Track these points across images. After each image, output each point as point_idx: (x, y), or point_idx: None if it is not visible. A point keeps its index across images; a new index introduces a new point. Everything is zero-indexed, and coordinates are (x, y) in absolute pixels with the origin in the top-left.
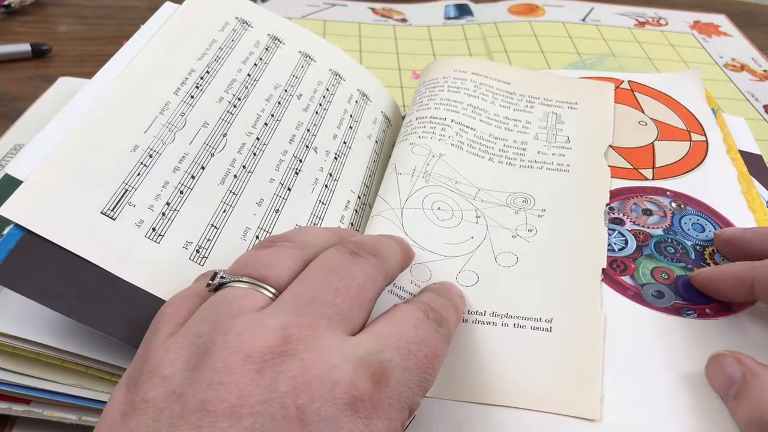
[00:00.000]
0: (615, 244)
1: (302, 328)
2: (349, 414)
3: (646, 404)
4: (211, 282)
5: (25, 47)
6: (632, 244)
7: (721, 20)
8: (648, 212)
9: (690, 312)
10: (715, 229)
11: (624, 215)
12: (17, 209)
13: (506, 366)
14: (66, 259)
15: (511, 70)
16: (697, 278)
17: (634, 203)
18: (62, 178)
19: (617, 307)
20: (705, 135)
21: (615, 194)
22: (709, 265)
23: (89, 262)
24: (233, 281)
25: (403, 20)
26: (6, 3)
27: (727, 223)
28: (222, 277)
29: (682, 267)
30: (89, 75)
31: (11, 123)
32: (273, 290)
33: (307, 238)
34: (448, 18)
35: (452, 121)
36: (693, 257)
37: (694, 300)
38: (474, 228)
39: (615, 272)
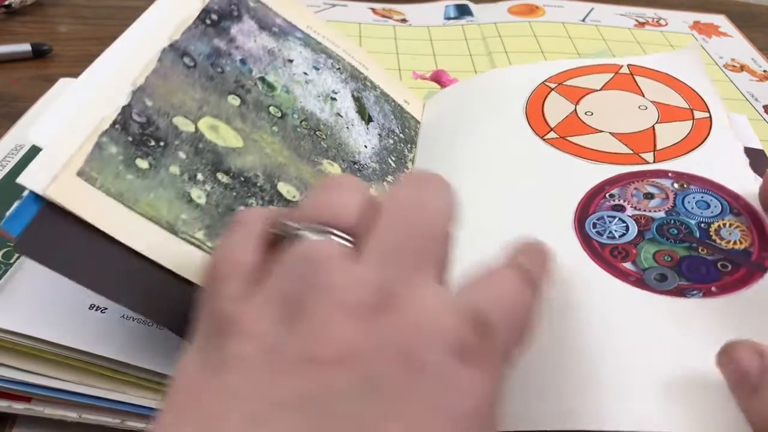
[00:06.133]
0: (615, 231)
1: (394, 281)
2: (457, 362)
3: (652, 390)
4: (279, 230)
5: (26, 47)
6: (633, 230)
7: (720, 20)
8: (649, 196)
9: (695, 292)
10: (721, 205)
11: (625, 201)
12: (36, 178)
13: None
14: (87, 228)
15: None
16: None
17: (635, 188)
18: (80, 144)
19: (619, 295)
20: (708, 111)
21: (615, 180)
22: (714, 242)
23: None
24: (303, 230)
25: (403, 20)
26: (6, 3)
27: (735, 196)
28: (291, 226)
29: (686, 247)
30: None
31: (11, 123)
32: (349, 237)
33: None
34: (448, 18)
35: None
36: (698, 236)
37: (699, 279)
38: None
39: (616, 259)
